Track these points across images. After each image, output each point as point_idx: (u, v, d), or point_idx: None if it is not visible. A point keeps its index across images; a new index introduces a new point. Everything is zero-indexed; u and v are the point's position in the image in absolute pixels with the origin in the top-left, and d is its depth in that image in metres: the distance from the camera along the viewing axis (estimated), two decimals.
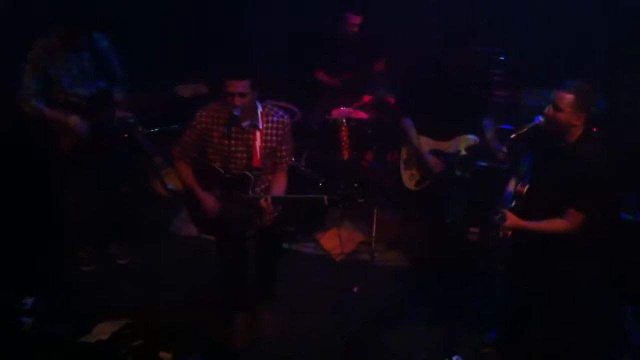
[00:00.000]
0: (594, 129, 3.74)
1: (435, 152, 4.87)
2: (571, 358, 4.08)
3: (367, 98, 5.98)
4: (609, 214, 4.38)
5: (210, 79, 4.77)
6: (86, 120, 4.63)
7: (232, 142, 4.07)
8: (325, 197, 3.91)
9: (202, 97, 4.83)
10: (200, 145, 4.19)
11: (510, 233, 3.68)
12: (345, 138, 5.56)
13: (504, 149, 4.21)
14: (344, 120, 5.57)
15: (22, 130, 4.88)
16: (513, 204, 3.73)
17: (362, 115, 5.73)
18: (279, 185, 4.19)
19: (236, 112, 3.93)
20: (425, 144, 4.87)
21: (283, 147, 4.20)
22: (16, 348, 4.07)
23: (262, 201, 3.95)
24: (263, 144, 4.11)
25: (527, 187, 3.72)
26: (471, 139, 4.79)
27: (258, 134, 4.10)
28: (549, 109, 3.63)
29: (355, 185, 5.48)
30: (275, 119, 4.14)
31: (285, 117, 4.21)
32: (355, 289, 4.84)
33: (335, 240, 5.43)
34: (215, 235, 4.33)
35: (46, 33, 4.59)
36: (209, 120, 4.12)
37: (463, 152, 4.78)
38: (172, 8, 6.50)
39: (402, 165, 5.02)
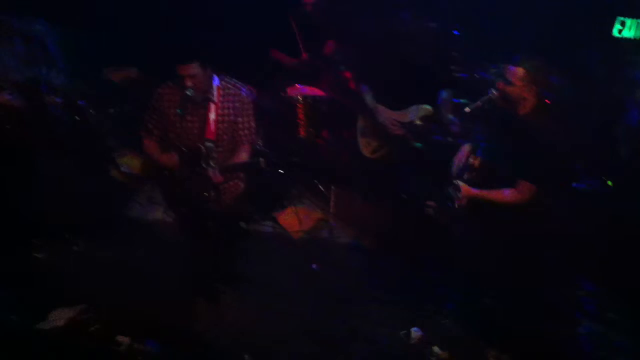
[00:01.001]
0: (547, 101, 3.79)
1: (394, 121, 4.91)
2: (523, 327, 4.16)
3: (323, 75, 5.97)
4: (561, 185, 4.47)
5: (144, 63, 4.75)
6: (22, 102, 4.55)
7: (188, 117, 4.12)
8: (262, 160, 3.93)
9: (133, 82, 4.79)
10: (162, 123, 4.21)
11: (464, 203, 3.74)
12: (301, 116, 5.54)
13: (457, 123, 4.26)
14: (300, 98, 5.54)
15: None
16: (466, 176, 3.78)
17: (318, 92, 5.70)
18: (241, 157, 4.19)
19: (189, 93, 3.95)
20: (382, 112, 4.90)
21: (240, 120, 4.19)
22: None
23: (210, 172, 3.99)
24: (219, 117, 4.11)
25: (479, 159, 3.77)
26: (425, 109, 4.83)
27: (213, 107, 4.12)
28: (500, 83, 3.67)
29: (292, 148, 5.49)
30: (231, 92, 4.17)
31: (243, 90, 4.22)
32: (314, 266, 4.84)
33: (294, 218, 5.43)
34: (182, 212, 4.31)
35: None
36: (165, 98, 4.16)
37: (418, 122, 4.83)
38: None
39: (358, 133, 5.05)
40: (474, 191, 3.71)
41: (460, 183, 3.70)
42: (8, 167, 4.73)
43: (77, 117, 5.27)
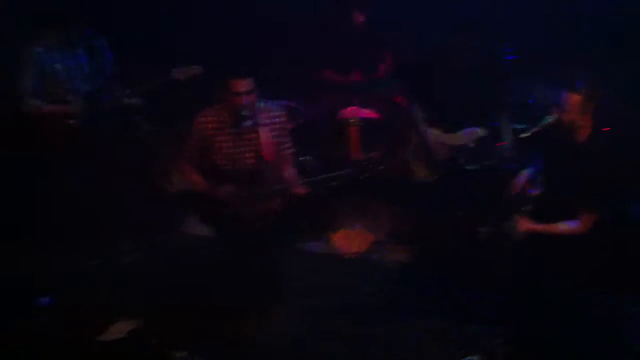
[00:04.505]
0: (606, 128, 3.76)
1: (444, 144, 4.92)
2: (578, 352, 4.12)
3: (376, 97, 6.01)
4: (620, 213, 4.41)
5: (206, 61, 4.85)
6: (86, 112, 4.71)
7: (241, 143, 4.14)
8: (345, 172, 4.05)
9: (198, 80, 4.89)
10: (204, 151, 4.23)
11: (521, 237, 3.71)
12: (355, 138, 5.56)
13: (511, 149, 4.24)
14: (354, 120, 5.57)
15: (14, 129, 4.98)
16: (526, 207, 3.75)
17: (371, 114, 5.75)
18: (292, 173, 4.24)
19: (245, 113, 3.98)
20: (434, 135, 4.91)
21: (285, 139, 4.26)
22: (32, 346, 4.11)
23: (294, 189, 4.03)
24: (269, 139, 4.16)
25: (539, 190, 3.74)
26: (479, 132, 4.82)
27: (262, 130, 4.14)
28: (557, 110, 3.66)
29: (370, 155, 5.49)
30: (273, 113, 4.21)
31: (282, 108, 4.27)
32: (366, 289, 4.84)
33: (347, 239, 5.45)
34: (226, 232, 4.34)
35: (42, 31, 4.65)
36: (210, 125, 4.17)
37: (471, 145, 4.82)
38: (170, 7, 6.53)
39: (411, 156, 5.05)
40: (535, 226, 3.68)
41: (520, 218, 3.66)
42: (67, 177, 4.91)
43: (132, 133, 5.41)
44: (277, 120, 4.21)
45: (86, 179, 4.89)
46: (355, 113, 5.69)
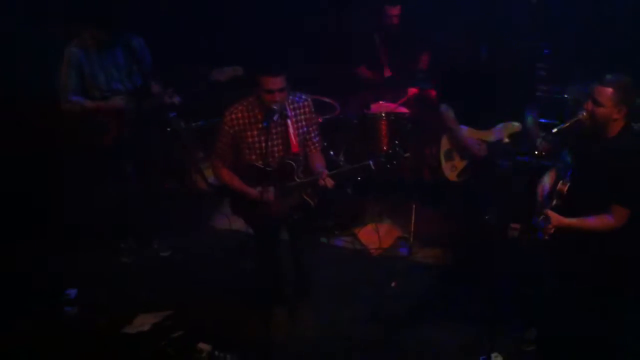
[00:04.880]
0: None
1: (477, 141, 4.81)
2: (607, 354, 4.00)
3: (411, 92, 5.94)
4: None
5: (246, 61, 4.88)
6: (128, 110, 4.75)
7: (270, 137, 4.10)
8: (371, 162, 3.99)
9: (238, 80, 4.91)
10: (235, 147, 4.22)
11: (552, 232, 3.61)
12: (384, 133, 5.53)
13: (543, 142, 4.14)
14: (383, 115, 5.54)
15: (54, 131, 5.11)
16: (554, 202, 3.66)
17: (401, 109, 5.70)
18: (320, 164, 4.22)
19: (275, 107, 3.98)
20: (466, 133, 4.81)
21: (311, 129, 4.25)
22: (59, 337, 4.21)
23: (321, 180, 4.00)
24: (296, 131, 4.16)
25: (568, 185, 3.64)
26: (514, 125, 4.71)
27: (289, 121, 4.14)
28: (588, 104, 3.57)
29: (396, 142, 5.40)
30: (299, 104, 4.19)
31: (305, 96, 4.26)
32: (393, 284, 4.82)
33: (373, 235, 5.43)
34: (261, 226, 4.32)
35: (80, 32, 4.69)
36: (240, 121, 4.14)
37: (506, 140, 4.71)
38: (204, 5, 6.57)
39: (442, 157, 4.96)
40: (566, 220, 3.55)
41: (550, 212, 3.56)
42: (101, 172, 4.98)
43: (168, 129, 5.47)
44: (303, 110, 4.20)
45: (123, 176, 4.98)
46: (385, 108, 5.64)
